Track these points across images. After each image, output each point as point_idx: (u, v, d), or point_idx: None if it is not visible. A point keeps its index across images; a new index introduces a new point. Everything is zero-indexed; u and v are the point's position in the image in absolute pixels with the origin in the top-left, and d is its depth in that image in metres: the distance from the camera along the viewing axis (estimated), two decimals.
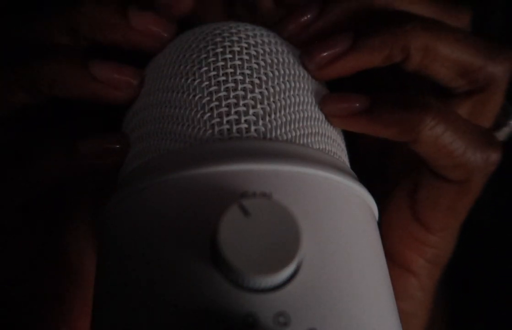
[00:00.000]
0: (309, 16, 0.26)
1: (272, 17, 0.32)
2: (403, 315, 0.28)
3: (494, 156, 0.26)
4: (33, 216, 0.27)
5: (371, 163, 0.31)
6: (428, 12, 0.26)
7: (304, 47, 0.25)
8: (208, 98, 0.22)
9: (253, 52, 0.23)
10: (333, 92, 0.25)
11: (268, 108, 0.22)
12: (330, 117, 0.24)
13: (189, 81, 0.23)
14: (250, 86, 0.22)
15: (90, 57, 0.24)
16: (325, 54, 0.24)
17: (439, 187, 0.27)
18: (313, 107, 0.24)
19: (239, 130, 0.22)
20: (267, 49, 0.24)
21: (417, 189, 0.28)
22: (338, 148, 0.24)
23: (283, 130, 0.22)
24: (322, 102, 0.24)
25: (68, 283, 0.28)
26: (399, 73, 0.26)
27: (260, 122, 0.22)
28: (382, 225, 0.29)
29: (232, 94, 0.22)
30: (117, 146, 0.24)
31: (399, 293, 0.28)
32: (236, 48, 0.23)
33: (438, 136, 0.24)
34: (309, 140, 0.23)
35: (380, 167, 0.31)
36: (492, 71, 0.26)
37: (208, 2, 0.37)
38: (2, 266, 0.27)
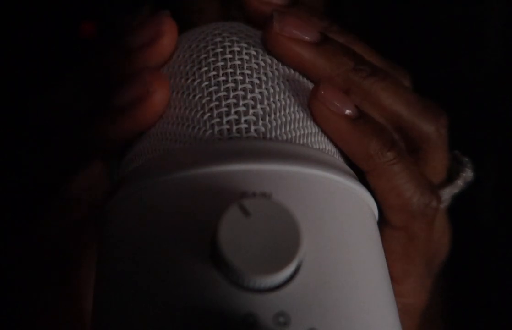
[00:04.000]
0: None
1: None
2: None
3: (435, 203, 0.26)
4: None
5: None
6: (377, 63, 0.27)
7: (278, 13, 0.25)
8: (208, 98, 0.22)
9: (253, 52, 0.23)
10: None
11: (268, 108, 0.22)
12: (316, 102, 0.23)
13: (189, 81, 0.23)
14: (250, 86, 0.22)
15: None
16: (296, 28, 0.24)
17: (390, 234, 0.27)
18: None
19: (239, 130, 0.22)
20: (267, 49, 0.24)
21: None
22: (338, 148, 0.24)
23: (283, 130, 0.22)
24: (319, 86, 0.23)
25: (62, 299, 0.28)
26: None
27: (260, 122, 0.22)
28: None
29: (232, 94, 0.22)
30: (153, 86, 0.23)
31: None
32: (236, 48, 0.23)
33: (395, 174, 0.25)
34: (309, 140, 0.23)
35: None
36: (425, 130, 0.27)
37: (204, 3, 0.37)
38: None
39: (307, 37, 0.25)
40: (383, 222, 0.27)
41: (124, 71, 0.24)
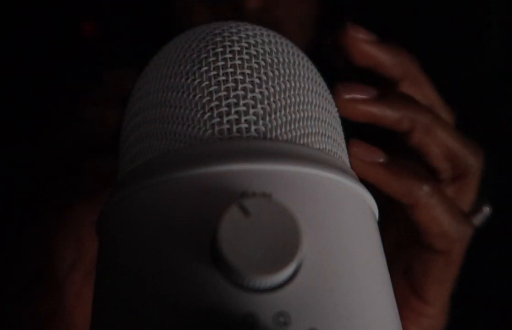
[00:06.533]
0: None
1: (257, 17, 0.35)
2: None
3: (470, 231, 0.31)
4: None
5: None
6: (431, 95, 0.32)
7: (343, 83, 0.29)
8: (208, 98, 0.22)
9: (253, 52, 0.23)
10: (361, 140, 0.29)
11: (268, 108, 0.22)
12: (352, 158, 0.28)
13: (189, 81, 0.23)
14: (250, 86, 0.22)
15: None
16: (358, 91, 0.29)
17: (429, 258, 0.31)
18: (313, 107, 0.24)
19: (239, 130, 0.22)
20: (267, 49, 0.24)
21: (411, 264, 0.32)
22: (338, 148, 0.24)
23: (283, 130, 0.22)
24: (351, 143, 0.28)
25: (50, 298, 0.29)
26: (399, 149, 0.30)
27: (260, 122, 0.22)
28: None
29: (232, 94, 0.22)
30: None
31: None
32: (236, 48, 0.23)
33: (434, 206, 0.29)
34: (310, 140, 0.23)
35: None
36: (470, 162, 0.31)
37: (194, 3, 0.38)
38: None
39: (366, 95, 0.29)
40: (424, 248, 0.31)
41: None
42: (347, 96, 0.29)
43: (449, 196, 0.30)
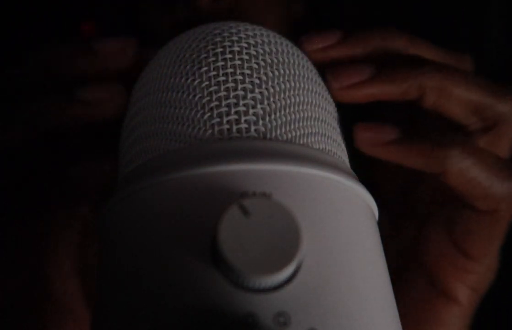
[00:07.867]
0: (332, 39, 0.28)
1: (213, 11, 0.34)
2: None
3: None
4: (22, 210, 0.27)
5: (394, 198, 0.32)
6: (438, 57, 0.28)
7: (330, 67, 0.26)
8: (208, 98, 0.22)
9: (253, 52, 0.23)
10: (366, 121, 0.26)
11: (268, 108, 0.22)
12: (360, 143, 0.26)
13: (189, 81, 0.23)
14: (250, 86, 0.22)
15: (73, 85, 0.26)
16: (350, 77, 0.26)
17: (474, 218, 0.28)
18: (313, 107, 0.24)
19: (239, 130, 0.22)
20: (267, 49, 0.24)
21: (454, 221, 0.29)
22: (338, 148, 0.24)
23: (283, 130, 0.22)
24: (356, 130, 0.26)
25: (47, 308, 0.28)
26: (418, 110, 0.28)
27: (260, 122, 0.22)
28: (424, 257, 0.31)
29: (232, 94, 0.22)
30: (113, 95, 0.26)
31: (441, 321, 0.30)
32: (236, 48, 0.23)
33: (466, 169, 0.26)
34: (309, 140, 0.23)
35: (404, 200, 0.32)
36: (500, 109, 0.28)
37: (152, 10, 0.38)
38: None
39: (363, 76, 0.26)
40: (468, 208, 0.28)
41: (86, 67, 0.27)
42: (342, 84, 0.26)
43: (488, 152, 0.27)
